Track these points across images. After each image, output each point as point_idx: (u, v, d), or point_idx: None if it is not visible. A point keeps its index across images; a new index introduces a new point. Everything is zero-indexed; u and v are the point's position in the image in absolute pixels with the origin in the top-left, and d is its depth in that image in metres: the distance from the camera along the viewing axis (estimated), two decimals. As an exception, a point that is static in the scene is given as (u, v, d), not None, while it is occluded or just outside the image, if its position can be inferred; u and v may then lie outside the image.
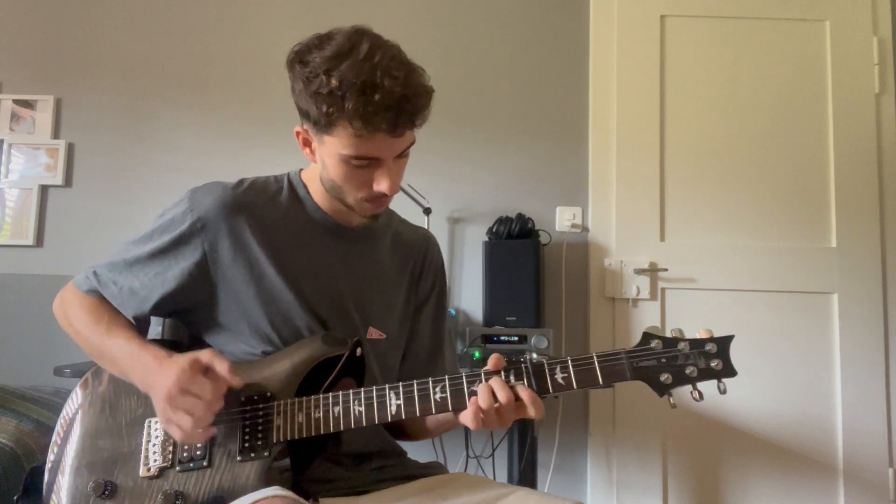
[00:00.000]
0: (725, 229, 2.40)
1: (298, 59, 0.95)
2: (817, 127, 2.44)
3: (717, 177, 2.42)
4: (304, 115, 0.98)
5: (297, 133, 1.03)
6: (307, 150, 1.04)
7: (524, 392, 0.89)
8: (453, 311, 2.27)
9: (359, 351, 1.02)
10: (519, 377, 0.90)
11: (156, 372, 0.95)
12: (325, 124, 0.94)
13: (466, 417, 0.90)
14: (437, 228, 2.35)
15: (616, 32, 2.48)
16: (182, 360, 0.93)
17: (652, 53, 2.47)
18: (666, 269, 2.37)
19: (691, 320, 2.33)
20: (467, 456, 2.16)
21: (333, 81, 0.90)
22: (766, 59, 2.46)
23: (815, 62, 2.46)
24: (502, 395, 0.89)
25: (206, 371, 0.94)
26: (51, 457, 1.04)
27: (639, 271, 2.37)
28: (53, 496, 1.00)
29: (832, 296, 2.36)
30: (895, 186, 2.41)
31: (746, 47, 2.47)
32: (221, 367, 0.94)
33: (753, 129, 2.44)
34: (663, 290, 2.38)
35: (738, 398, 2.32)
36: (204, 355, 0.94)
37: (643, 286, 2.37)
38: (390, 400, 0.93)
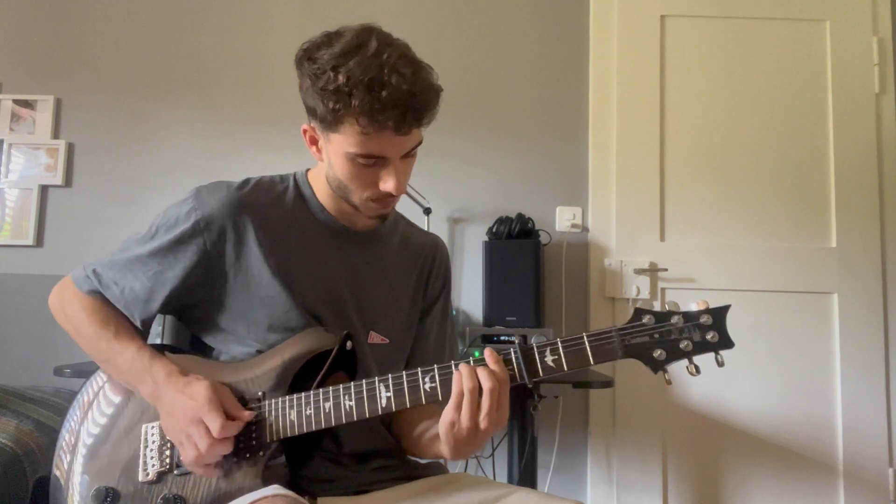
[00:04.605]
0: (725, 229, 2.40)
1: (307, 56, 0.95)
2: (817, 127, 2.44)
3: (717, 177, 2.42)
4: (311, 112, 0.97)
5: (304, 131, 1.03)
6: (314, 148, 1.04)
7: (489, 355, 0.87)
8: (454, 311, 2.27)
9: (349, 344, 1.01)
10: (508, 362, 0.89)
11: (171, 389, 0.95)
12: (331, 121, 0.93)
13: (445, 416, 0.87)
14: (437, 228, 2.35)
15: (616, 32, 2.47)
16: (201, 384, 0.94)
17: (652, 53, 2.47)
18: (666, 269, 2.37)
19: (691, 320, 2.33)
20: (467, 456, 2.15)
21: (341, 78, 0.89)
22: (766, 59, 2.46)
23: (815, 62, 2.46)
24: (481, 379, 0.86)
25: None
26: (58, 465, 1.03)
27: (639, 271, 2.37)
28: None
29: (832, 296, 2.36)
30: (895, 186, 2.41)
31: (746, 47, 2.47)
32: (231, 403, 0.95)
33: (753, 130, 2.44)
34: (663, 290, 2.38)
35: (738, 398, 2.32)
36: (217, 386, 0.95)
37: (643, 286, 2.37)
38: (380, 392, 0.92)
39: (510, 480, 2.00)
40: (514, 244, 2.18)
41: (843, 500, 2.28)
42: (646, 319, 0.87)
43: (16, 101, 2.46)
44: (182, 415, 0.92)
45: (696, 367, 0.86)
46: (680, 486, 2.31)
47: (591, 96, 2.46)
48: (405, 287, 1.16)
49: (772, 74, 2.45)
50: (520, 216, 2.23)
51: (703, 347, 0.85)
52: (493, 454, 2.22)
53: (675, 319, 0.86)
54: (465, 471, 2.10)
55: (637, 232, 2.40)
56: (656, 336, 0.86)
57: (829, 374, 2.33)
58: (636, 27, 2.48)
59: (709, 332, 0.85)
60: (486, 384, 0.85)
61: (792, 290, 2.36)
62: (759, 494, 2.30)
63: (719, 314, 0.86)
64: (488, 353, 0.88)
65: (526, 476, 1.94)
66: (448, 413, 0.87)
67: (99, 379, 1.07)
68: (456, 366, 0.89)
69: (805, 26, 2.47)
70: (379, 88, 0.88)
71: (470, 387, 0.85)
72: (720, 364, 0.85)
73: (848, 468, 2.29)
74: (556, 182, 2.44)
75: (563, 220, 2.41)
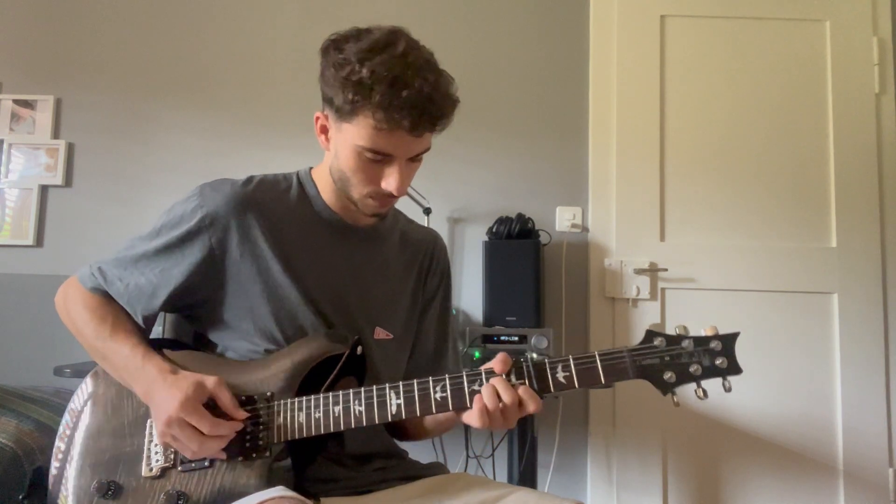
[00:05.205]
0: (725, 229, 2.40)
1: (334, 45, 0.97)
2: (817, 127, 2.44)
3: (716, 177, 2.42)
4: (328, 101, 0.99)
5: (317, 118, 1.04)
6: (323, 137, 1.05)
7: (523, 390, 0.89)
8: (454, 311, 2.27)
9: (359, 349, 1.01)
10: (520, 376, 0.90)
11: (160, 389, 0.95)
12: (348, 112, 0.95)
13: (471, 417, 0.91)
14: (437, 228, 2.32)
15: (616, 32, 2.48)
16: (186, 383, 0.93)
17: (652, 53, 2.47)
18: (666, 269, 2.37)
19: (691, 320, 2.30)
20: (467, 456, 2.16)
21: (365, 71, 0.91)
22: (766, 59, 2.46)
23: (815, 62, 2.46)
24: (506, 396, 0.88)
25: (210, 399, 0.94)
26: (58, 455, 1.03)
27: (639, 271, 2.37)
28: (59, 496, 1.00)
29: (832, 296, 2.36)
30: (895, 186, 2.41)
31: (746, 47, 2.47)
32: (224, 399, 0.95)
33: (753, 129, 2.44)
34: (663, 290, 2.38)
35: (739, 398, 2.32)
36: (210, 382, 0.95)
37: (643, 286, 2.37)
38: (390, 399, 0.93)
39: (510, 480, 2.00)
40: (514, 244, 2.18)
41: (843, 500, 2.28)
42: (657, 342, 0.89)
43: (16, 101, 2.46)
44: (165, 415, 0.93)
45: (704, 391, 0.88)
46: (680, 486, 2.31)
47: (591, 96, 2.46)
48: (406, 282, 1.18)
49: (772, 74, 2.45)
50: (520, 216, 2.23)
51: (712, 372, 0.87)
52: (493, 454, 2.22)
53: (685, 343, 0.88)
54: (465, 471, 2.11)
55: (637, 232, 2.40)
56: (667, 359, 0.88)
57: (829, 374, 2.34)
58: (636, 27, 2.48)
59: (718, 358, 0.87)
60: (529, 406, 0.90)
61: (792, 290, 2.36)
62: (759, 494, 2.30)
63: (729, 340, 0.88)
64: (499, 382, 0.90)
65: (526, 476, 1.94)
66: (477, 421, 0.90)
67: (102, 373, 1.07)
68: (470, 379, 0.90)
69: (805, 26, 2.47)
70: (401, 87, 0.90)
71: (491, 407, 0.89)
72: (727, 389, 0.87)
73: (848, 468, 2.29)
74: (556, 182, 2.44)
75: (563, 220, 2.41)
